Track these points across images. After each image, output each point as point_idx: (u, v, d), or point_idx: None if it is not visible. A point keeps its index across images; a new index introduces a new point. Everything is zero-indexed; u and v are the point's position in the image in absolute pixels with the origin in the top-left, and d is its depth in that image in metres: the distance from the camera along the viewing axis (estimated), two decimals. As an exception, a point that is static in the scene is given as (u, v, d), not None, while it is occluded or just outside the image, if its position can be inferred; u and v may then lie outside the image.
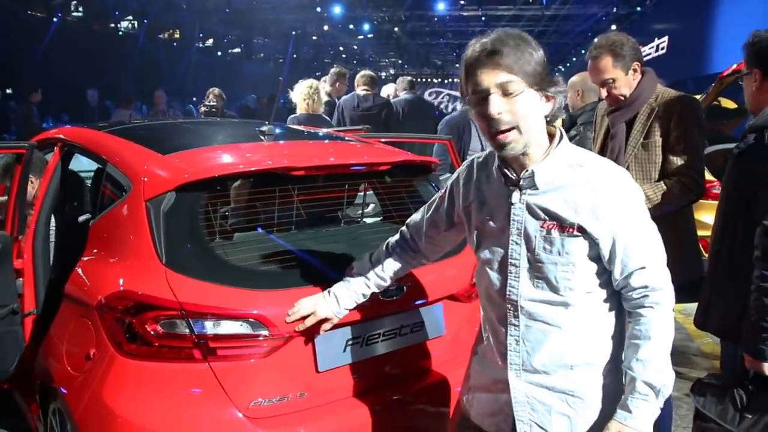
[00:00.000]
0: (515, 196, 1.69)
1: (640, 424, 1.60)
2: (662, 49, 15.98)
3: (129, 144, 2.67)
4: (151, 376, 2.06)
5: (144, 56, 23.53)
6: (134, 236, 2.22)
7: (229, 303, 2.07)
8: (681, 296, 2.78)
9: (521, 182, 1.67)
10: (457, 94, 5.53)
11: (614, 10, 22.22)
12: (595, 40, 2.72)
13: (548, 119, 1.67)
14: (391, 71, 37.53)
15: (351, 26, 27.66)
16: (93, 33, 22.53)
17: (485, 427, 1.85)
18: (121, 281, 2.17)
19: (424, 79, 30.41)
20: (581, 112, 4.16)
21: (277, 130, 2.90)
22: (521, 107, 1.58)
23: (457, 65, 1.72)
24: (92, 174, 3.37)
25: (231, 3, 23.68)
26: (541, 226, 1.66)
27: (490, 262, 1.77)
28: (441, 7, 24.08)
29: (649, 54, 16.21)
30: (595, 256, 1.65)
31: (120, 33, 25.18)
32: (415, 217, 2.09)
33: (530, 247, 1.68)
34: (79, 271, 2.42)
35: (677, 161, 2.59)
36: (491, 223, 1.76)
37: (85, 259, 2.44)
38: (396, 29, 27.96)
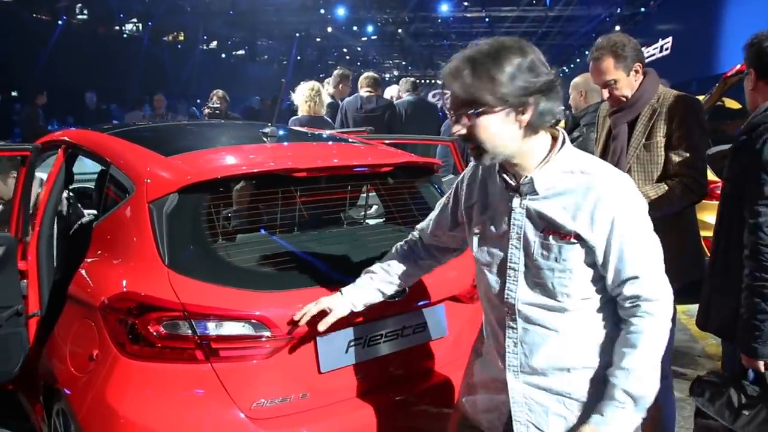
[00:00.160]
0: (515, 201, 1.70)
1: (612, 430, 1.60)
2: (666, 50, 15.94)
3: (132, 146, 2.68)
4: (154, 376, 2.07)
5: (148, 59, 23.62)
6: (137, 238, 2.23)
7: (231, 304, 2.08)
8: (684, 297, 2.80)
9: (521, 188, 1.68)
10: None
11: (618, 11, 22.19)
12: (597, 41, 2.71)
13: (549, 124, 1.64)
14: (395, 73, 37.55)
15: (355, 28, 27.68)
16: (98, 36, 22.63)
17: (478, 424, 1.88)
18: (124, 282, 2.18)
19: (427, 81, 30.41)
20: (584, 113, 4.15)
21: (280, 132, 2.91)
22: (480, 130, 1.60)
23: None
24: (96, 176, 3.38)
25: (235, 5, 23.74)
26: (540, 232, 1.66)
27: (490, 265, 1.78)
28: (444, 8, 24.09)
29: (654, 55, 16.18)
30: (592, 262, 1.65)
31: (124, 36, 25.28)
32: (425, 220, 2.10)
33: (528, 253, 1.69)
34: (83, 272, 2.43)
35: (679, 162, 2.58)
36: (492, 226, 1.77)
37: (89, 260, 2.45)
38: (400, 31, 27.98)
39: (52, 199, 2.97)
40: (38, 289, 2.83)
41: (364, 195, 2.99)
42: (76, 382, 2.23)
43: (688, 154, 2.58)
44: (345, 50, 35.04)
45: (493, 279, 1.77)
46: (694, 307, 2.52)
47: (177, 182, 2.25)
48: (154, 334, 2.05)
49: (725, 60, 11.00)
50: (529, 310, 1.70)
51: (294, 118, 5.48)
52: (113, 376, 2.09)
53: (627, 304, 1.65)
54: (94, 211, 3.16)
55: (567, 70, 34.15)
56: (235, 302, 2.08)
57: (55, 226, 3.02)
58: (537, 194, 1.66)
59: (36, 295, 2.82)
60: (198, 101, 17.34)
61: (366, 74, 6.31)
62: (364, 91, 6.10)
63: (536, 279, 1.68)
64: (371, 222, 3.05)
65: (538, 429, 1.72)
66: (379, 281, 2.06)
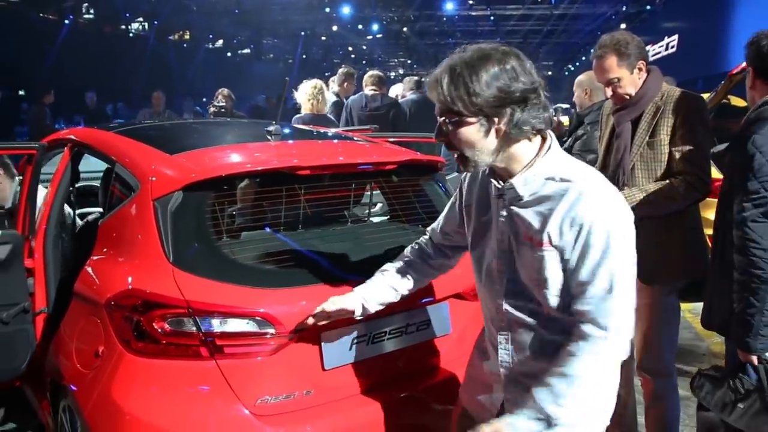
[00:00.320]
0: (501, 206, 1.72)
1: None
2: (672, 47, 15.90)
3: (137, 144, 2.70)
4: (159, 373, 2.08)
5: (154, 57, 23.69)
6: (142, 235, 2.24)
7: (235, 301, 2.09)
8: (687, 295, 2.81)
9: (505, 194, 1.69)
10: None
11: (623, 9, 22.13)
12: (600, 39, 2.71)
13: (538, 129, 1.63)
14: (400, 71, 37.53)
15: (360, 26, 27.70)
16: (104, 35, 22.71)
17: (471, 411, 1.92)
18: (129, 280, 2.19)
19: (433, 79, 30.34)
20: (589, 111, 4.15)
21: (284, 130, 2.92)
22: (457, 139, 1.63)
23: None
24: (102, 174, 3.40)
25: (241, 4, 23.79)
26: (520, 238, 1.68)
27: (480, 265, 1.82)
28: (450, 6, 24.08)
29: (659, 53, 16.14)
30: (566, 270, 1.63)
31: (131, 35, 25.36)
32: (436, 221, 2.11)
33: (511, 257, 1.71)
34: (89, 269, 2.45)
35: (683, 160, 2.58)
36: (483, 228, 1.80)
37: (94, 258, 2.47)
38: (405, 29, 27.97)
39: (59, 197, 2.99)
40: (45, 287, 2.85)
41: (369, 193, 2.99)
42: (82, 379, 2.24)
43: (691, 152, 2.57)
44: (350, 49, 35.06)
45: (483, 278, 1.81)
46: (699, 306, 2.52)
47: (181, 180, 2.26)
48: (159, 330, 2.06)
49: (731, 57, 10.95)
50: (515, 312, 1.73)
51: (297, 116, 5.49)
52: (119, 373, 2.11)
53: (574, 319, 1.61)
54: (100, 209, 3.18)
55: (572, 68, 34.07)
56: (239, 299, 2.09)
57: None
58: (521, 200, 1.67)
59: (43, 293, 2.84)
60: (204, 100, 17.38)
61: (371, 72, 6.31)
62: (368, 90, 6.11)
63: (518, 283, 1.71)
64: (375, 220, 3.06)
65: None
66: (392, 278, 2.06)
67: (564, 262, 1.60)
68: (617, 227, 1.57)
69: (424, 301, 2.41)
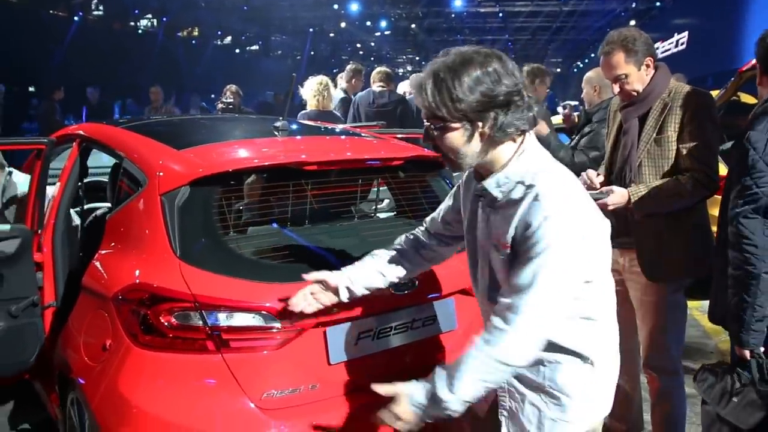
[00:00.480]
0: (481, 205, 1.77)
1: (405, 405, 1.65)
2: (682, 44, 15.78)
3: (145, 140, 2.71)
4: (166, 366, 2.09)
5: (163, 54, 23.74)
6: (149, 230, 2.26)
7: (242, 295, 2.10)
8: (694, 293, 2.80)
9: (482, 195, 1.74)
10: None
11: (633, 6, 22.03)
12: (607, 35, 2.70)
13: (522, 130, 1.66)
14: (409, 68, 37.47)
15: (368, 23, 27.68)
16: (113, 32, 22.79)
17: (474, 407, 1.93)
18: (136, 273, 2.20)
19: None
20: (597, 109, 4.13)
21: (292, 126, 2.93)
22: (443, 143, 1.67)
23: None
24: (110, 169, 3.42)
25: (249, 1, 23.83)
26: (491, 239, 1.72)
27: (470, 258, 1.88)
28: (458, 3, 24.02)
29: (669, 50, 16.03)
30: None
31: (139, 31, 25.44)
32: (435, 211, 2.14)
33: (485, 258, 1.77)
34: (97, 263, 2.47)
35: (690, 157, 2.57)
36: (472, 224, 1.85)
37: (102, 252, 2.49)
38: (413, 26, 27.94)
39: (67, 192, 3.01)
40: (53, 281, 2.87)
41: (375, 189, 3.00)
42: (90, 372, 2.26)
43: (699, 149, 2.56)
44: (358, 45, 35.04)
45: (471, 272, 1.88)
46: (707, 303, 2.52)
47: (189, 175, 2.28)
48: (166, 324, 2.08)
49: (741, 54, 10.87)
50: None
51: (302, 112, 5.49)
52: (126, 366, 2.12)
53: (495, 310, 1.63)
54: (108, 204, 3.20)
55: (581, 65, 33.92)
56: (245, 294, 2.10)
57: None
58: (497, 201, 1.70)
59: (51, 287, 2.86)
60: (212, 96, 17.43)
61: (378, 69, 6.31)
62: (376, 86, 6.11)
63: (496, 281, 1.75)
64: (382, 216, 3.07)
65: (515, 415, 1.78)
66: (381, 264, 2.07)
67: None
68: (559, 231, 1.56)
69: (430, 296, 2.42)
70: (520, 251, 1.60)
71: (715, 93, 5.21)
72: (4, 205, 3.78)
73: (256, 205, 2.56)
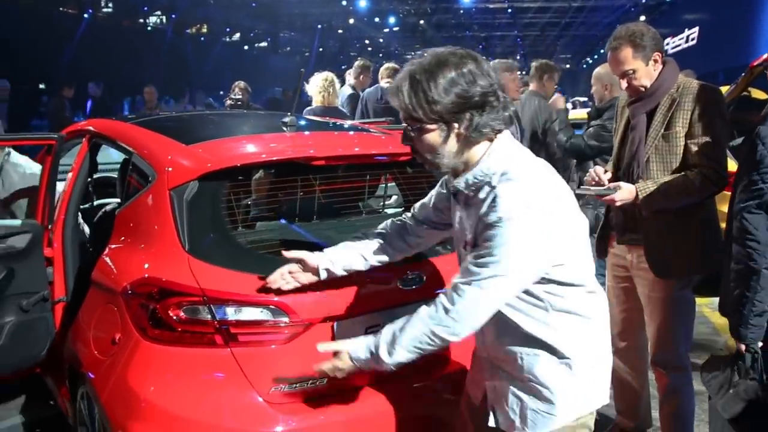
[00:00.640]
0: (455, 202, 1.82)
1: (347, 358, 1.80)
2: (692, 40, 15.69)
3: (154, 135, 2.72)
4: (175, 360, 2.11)
5: (172, 51, 23.83)
6: (158, 224, 2.27)
7: (250, 290, 2.10)
8: (703, 290, 2.79)
9: (456, 193, 1.78)
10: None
11: (643, 1, 21.90)
12: (615, 30, 2.68)
13: (498, 130, 1.68)
14: (417, 64, 37.41)
15: (377, 19, 27.66)
16: (122, 29, 22.89)
17: (469, 392, 2.03)
18: (145, 268, 2.22)
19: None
20: (609, 105, 4.11)
21: (300, 122, 2.94)
22: (420, 144, 1.70)
23: (484, 57, 1.77)
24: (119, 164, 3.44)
25: (257, -3, 23.84)
26: (460, 236, 1.80)
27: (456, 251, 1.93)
28: (467, -1, 23.92)
29: (679, 45, 15.94)
30: None
31: (149, 28, 25.54)
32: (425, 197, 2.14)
33: (460, 254, 1.83)
34: (106, 258, 2.48)
35: (699, 152, 2.55)
36: (453, 220, 1.90)
37: (112, 246, 2.51)
38: (422, 22, 27.90)
39: (77, 187, 3.03)
40: (64, 276, 2.90)
41: (383, 184, 3.00)
42: (99, 366, 2.28)
43: (708, 145, 2.54)
44: (367, 42, 35.03)
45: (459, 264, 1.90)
46: (716, 300, 2.51)
47: (197, 170, 2.29)
48: (175, 318, 2.09)
49: (752, 50, 10.80)
50: None
51: (308, 108, 5.50)
52: (135, 360, 2.14)
53: (454, 279, 1.69)
54: (118, 200, 3.22)
55: (590, 61, 33.76)
56: (253, 288, 2.11)
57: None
58: (468, 200, 1.74)
59: (62, 282, 2.89)
60: (221, 93, 17.46)
61: (387, 65, 6.31)
62: (384, 82, 6.11)
63: None
64: (390, 211, 3.07)
65: (501, 406, 1.82)
66: (364, 248, 2.08)
67: None
68: (511, 234, 1.59)
69: (438, 291, 2.41)
70: (477, 246, 1.66)
71: (725, 89, 5.19)
72: (10, 194, 3.72)
73: (264, 199, 2.57)
